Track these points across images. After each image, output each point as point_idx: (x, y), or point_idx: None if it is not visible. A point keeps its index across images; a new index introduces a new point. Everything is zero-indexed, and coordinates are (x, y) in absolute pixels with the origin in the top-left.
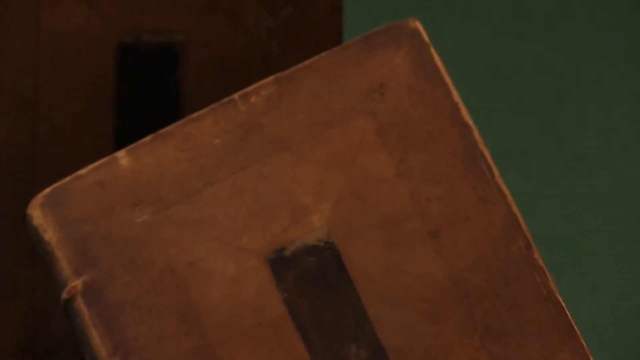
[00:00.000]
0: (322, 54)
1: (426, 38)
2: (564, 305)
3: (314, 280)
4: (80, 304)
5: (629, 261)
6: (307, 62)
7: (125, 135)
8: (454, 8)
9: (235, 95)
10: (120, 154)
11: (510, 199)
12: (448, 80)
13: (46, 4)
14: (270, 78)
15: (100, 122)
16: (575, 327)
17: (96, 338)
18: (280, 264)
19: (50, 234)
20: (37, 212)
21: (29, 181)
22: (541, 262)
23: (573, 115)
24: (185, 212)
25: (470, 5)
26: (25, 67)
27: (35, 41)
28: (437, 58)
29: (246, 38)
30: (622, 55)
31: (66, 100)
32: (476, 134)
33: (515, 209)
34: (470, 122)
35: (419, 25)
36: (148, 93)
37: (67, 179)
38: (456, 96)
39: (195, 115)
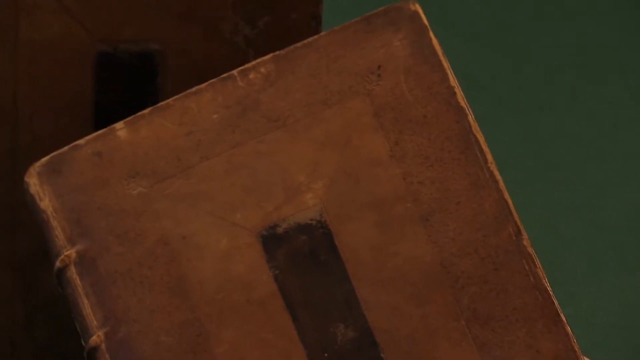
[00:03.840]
0: (322, 33)
1: (425, 21)
2: (551, 293)
3: (305, 258)
4: (73, 273)
5: (608, 271)
6: (306, 41)
7: None
8: (431, 17)
9: (235, 72)
10: (119, 125)
11: (502, 185)
12: (445, 64)
13: (24, 14)
14: (270, 55)
15: (80, 131)
16: (562, 316)
17: (87, 308)
18: (272, 241)
19: (46, 203)
20: (34, 180)
21: (9, 190)
22: (530, 250)
23: (551, 124)
24: (180, 185)
25: (447, 14)
26: (4, 77)
27: (13, 51)
28: (435, 41)
29: (224, 47)
30: (599, 65)
31: (45, 110)
32: (471, 118)
33: (506, 196)
34: (466, 107)
35: (418, 8)
36: (127, 102)
37: (65, 148)
38: (453, 80)
39: (194, 89)
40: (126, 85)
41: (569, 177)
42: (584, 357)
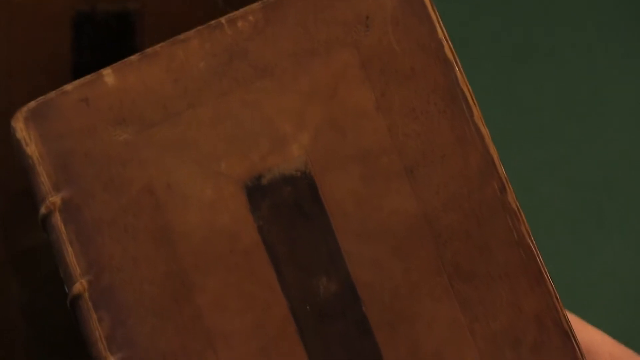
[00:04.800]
0: None
1: None
2: (535, 250)
3: (289, 209)
4: (57, 220)
5: (586, 229)
6: None
7: None
8: None
9: (223, 19)
10: (106, 71)
11: (488, 140)
12: (434, 16)
13: None
14: (258, 4)
15: None
16: (545, 273)
17: (71, 255)
18: (257, 191)
19: (32, 148)
20: (20, 125)
21: None
22: (515, 206)
23: (529, 84)
24: (166, 133)
25: None
26: None
27: None
28: None
29: (202, 6)
30: (580, 22)
31: (23, 71)
32: (458, 72)
33: (492, 151)
34: (454, 60)
35: None
36: (104, 62)
37: (52, 94)
38: (441, 33)
39: (182, 36)
40: (104, 45)
41: (546, 136)
42: (567, 312)
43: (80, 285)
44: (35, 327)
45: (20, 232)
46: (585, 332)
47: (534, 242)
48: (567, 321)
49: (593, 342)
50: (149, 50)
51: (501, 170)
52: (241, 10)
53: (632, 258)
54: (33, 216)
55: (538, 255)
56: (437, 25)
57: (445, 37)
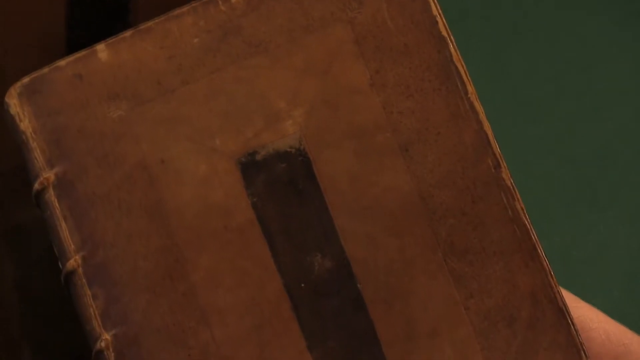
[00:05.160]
0: None
1: None
2: (529, 227)
3: (284, 186)
4: (51, 196)
5: (580, 207)
6: None
7: None
8: None
9: None
10: (100, 47)
11: (482, 116)
12: None
13: None
14: None
15: None
16: (540, 250)
17: (65, 231)
18: (251, 168)
19: (25, 124)
20: (14, 101)
21: None
22: (509, 182)
23: (523, 60)
24: (160, 109)
25: None
26: None
27: None
28: None
29: None
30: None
31: (17, 47)
32: (452, 48)
33: (486, 127)
34: (448, 37)
35: None
36: (99, 39)
37: (45, 69)
38: (435, 9)
39: (175, 12)
40: (98, 22)
41: (540, 113)
42: (561, 289)
43: (74, 261)
44: (30, 304)
45: (13, 209)
46: (580, 309)
47: (528, 219)
48: (562, 298)
49: (587, 318)
50: (142, 26)
51: (495, 147)
52: None
53: (626, 235)
54: (26, 193)
55: (532, 232)
56: (431, 1)
57: (439, 14)
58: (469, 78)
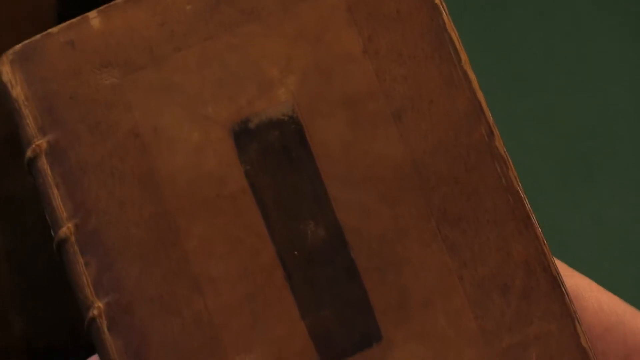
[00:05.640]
0: None
1: None
2: (523, 195)
3: (276, 154)
4: (43, 163)
5: (573, 179)
6: None
7: None
8: None
9: None
10: (92, 14)
11: (475, 84)
12: None
13: None
14: None
15: None
16: (533, 219)
17: (57, 199)
18: (244, 135)
19: (17, 91)
20: (6, 68)
21: None
22: (502, 151)
23: (516, 33)
24: (152, 77)
25: None
26: None
27: None
28: None
29: None
30: None
31: (9, 21)
32: (445, 16)
33: (480, 95)
34: (440, 4)
35: None
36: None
37: (37, 37)
38: None
39: None
40: None
41: (533, 85)
42: (554, 259)
43: (66, 229)
44: (21, 274)
45: (3, 180)
46: (572, 278)
47: (521, 187)
48: (555, 267)
49: (580, 287)
50: None
51: (489, 115)
52: None
53: (619, 206)
54: (16, 164)
55: (526, 201)
56: None
57: None
58: (462, 46)
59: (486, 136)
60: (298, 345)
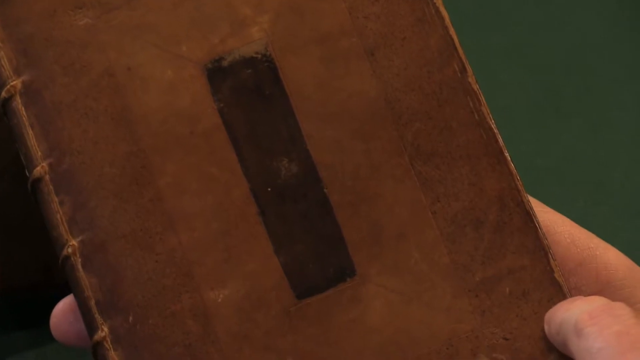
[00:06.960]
0: None
1: None
2: (495, 131)
3: (250, 92)
4: (18, 104)
5: (545, 115)
6: None
7: None
8: None
9: None
10: None
11: (448, 21)
12: None
13: None
14: None
15: None
16: (506, 154)
17: (32, 139)
18: (218, 74)
19: None
20: None
21: None
22: (475, 87)
23: None
24: (126, 16)
25: None
26: None
27: None
28: None
29: None
30: None
31: None
32: None
33: (452, 32)
34: None
35: None
36: None
37: None
38: None
39: None
40: None
41: (503, 20)
42: (527, 195)
43: (41, 168)
44: None
45: None
46: (545, 213)
47: (494, 123)
48: (528, 202)
49: (553, 222)
50: None
51: (461, 52)
52: None
53: (592, 143)
54: None
55: (498, 136)
56: None
57: None
58: None
59: (459, 72)
60: (272, 280)
